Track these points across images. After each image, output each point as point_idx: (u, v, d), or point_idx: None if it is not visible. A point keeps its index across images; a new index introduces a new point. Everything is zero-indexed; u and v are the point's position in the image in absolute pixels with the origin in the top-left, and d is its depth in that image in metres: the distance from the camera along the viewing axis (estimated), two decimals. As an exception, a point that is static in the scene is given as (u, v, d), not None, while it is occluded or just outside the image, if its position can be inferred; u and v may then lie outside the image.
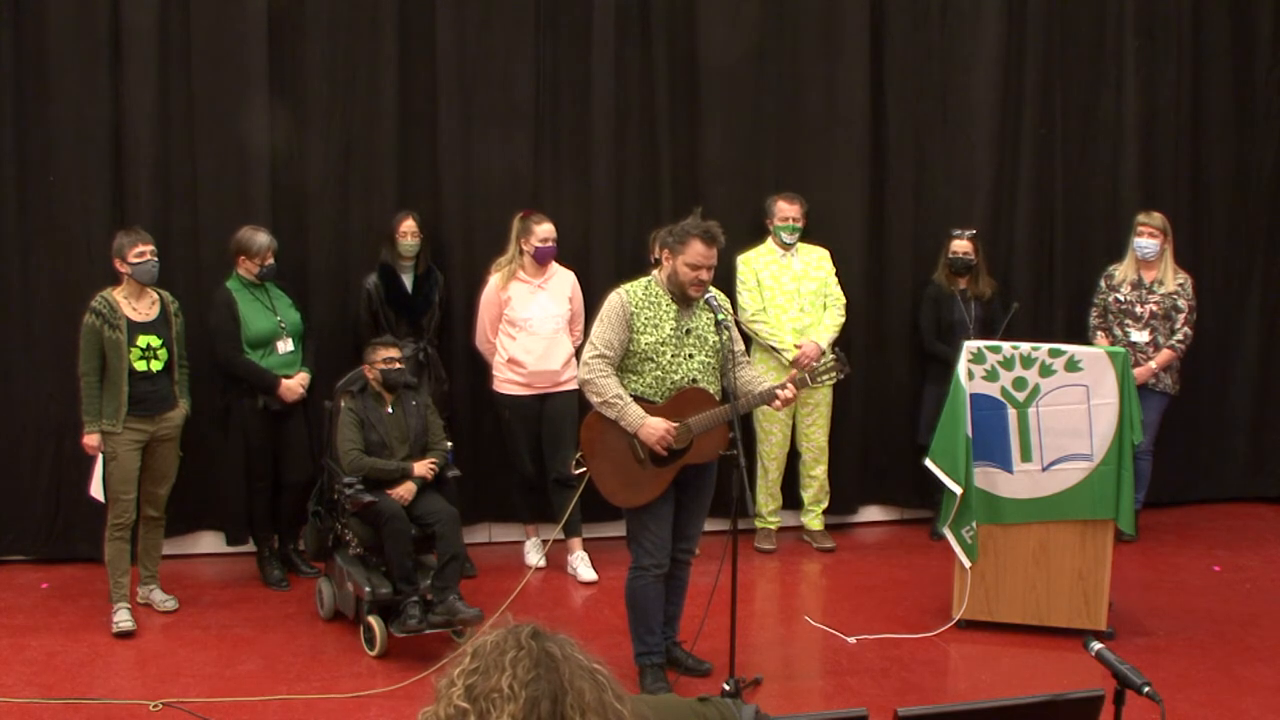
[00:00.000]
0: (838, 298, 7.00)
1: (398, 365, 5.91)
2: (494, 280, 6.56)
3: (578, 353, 6.32)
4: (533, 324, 6.49)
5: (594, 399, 5.03)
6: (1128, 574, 6.48)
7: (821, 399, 7.03)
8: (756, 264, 6.93)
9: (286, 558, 6.56)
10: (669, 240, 5.06)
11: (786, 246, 6.93)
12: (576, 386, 6.43)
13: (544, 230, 6.48)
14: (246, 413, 6.27)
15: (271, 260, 6.24)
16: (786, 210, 6.91)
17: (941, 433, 5.77)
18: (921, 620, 5.95)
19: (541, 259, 6.50)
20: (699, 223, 5.01)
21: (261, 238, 6.23)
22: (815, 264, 6.98)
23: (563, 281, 6.63)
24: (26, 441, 6.58)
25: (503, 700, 2.05)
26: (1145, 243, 7.03)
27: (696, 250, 4.95)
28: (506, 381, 6.56)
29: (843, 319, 6.98)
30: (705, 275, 4.98)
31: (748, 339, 6.71)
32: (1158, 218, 7.06)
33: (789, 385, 5.08)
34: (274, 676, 5.34)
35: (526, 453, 6.63)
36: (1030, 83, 7.50)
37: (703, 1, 7.08)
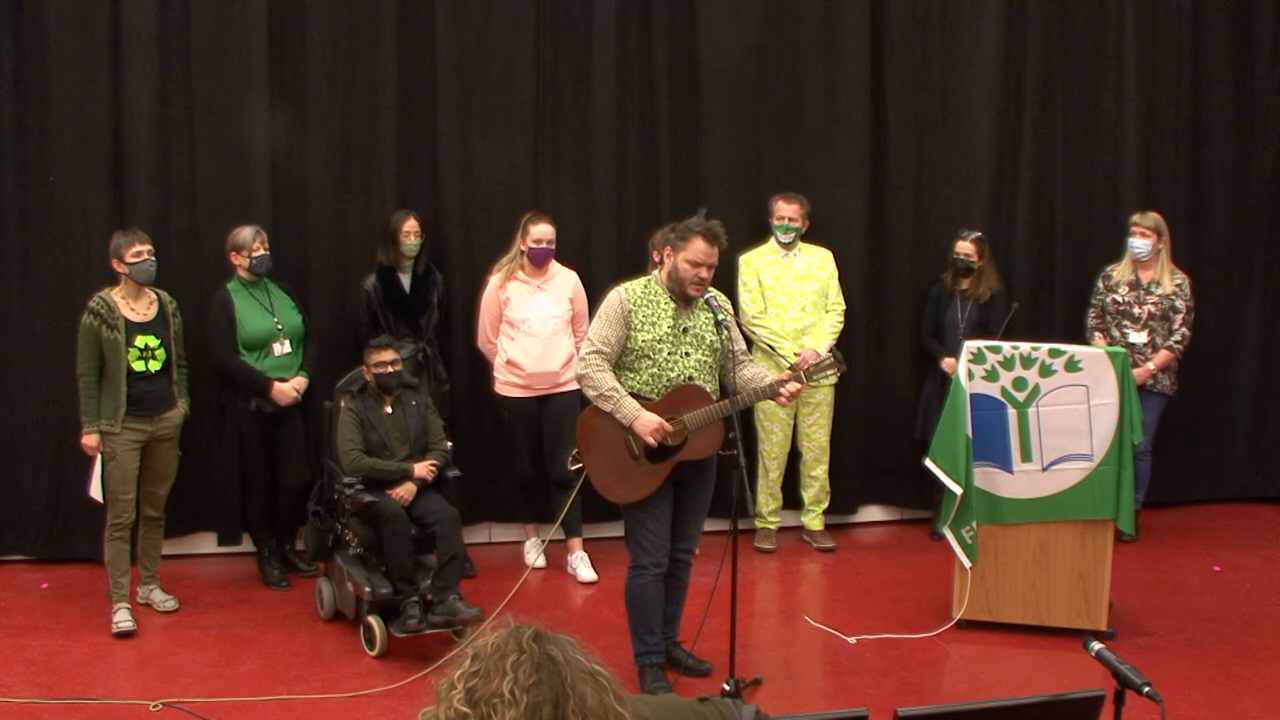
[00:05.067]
0: (838, 302, 7.00)
1: (391, 369, 5.90)
2: (494, 280, 6.56)
3: (580, 353, 6.33)
4: (530, 325, 6.48)
5: (590, 393, 5.05)
6: (1128, 574, 6.48)
7: (823, 399, 7.03)
8: (758, 264, 6.93)
9: (285, 558, 6.56)
10: (671, 237, 5.08)
11: (785, 246, 6.93)
12: (577, 387, 6.46)
13: (539, 231, 6.46)
14: (241, 415, 6.27)
15: (261, 251, 6.22)
16: (784, 210, 6.91)
17: (941, 433, 5.78)
18: (921, 620, 5.95)
19: (535, 259, 6.49)
20: (702, 221, 5.02)
21: (246, 231, 6.23)
22: (818, 265, 6.98)
23: (564, 282, 6.62)
24: (26, 441, 6.58)
25: (504, 705, 2.04)
26: (1138, 243, 7.03)
27: (698, 247, 4.96)
28: (506, 384, 6.56)
29: (841, 324, 6.98)
30: (705, 274, 4.99)
31: (748, 340, 6.70)
32: (1151, 218, 7.06)
33: (790, 382, 5.07)
34: (274, 676, 5.34)
35: (526, 454, 6.62)
36: (1030, 83, 7.50)
37: (703, 1, 7.08)
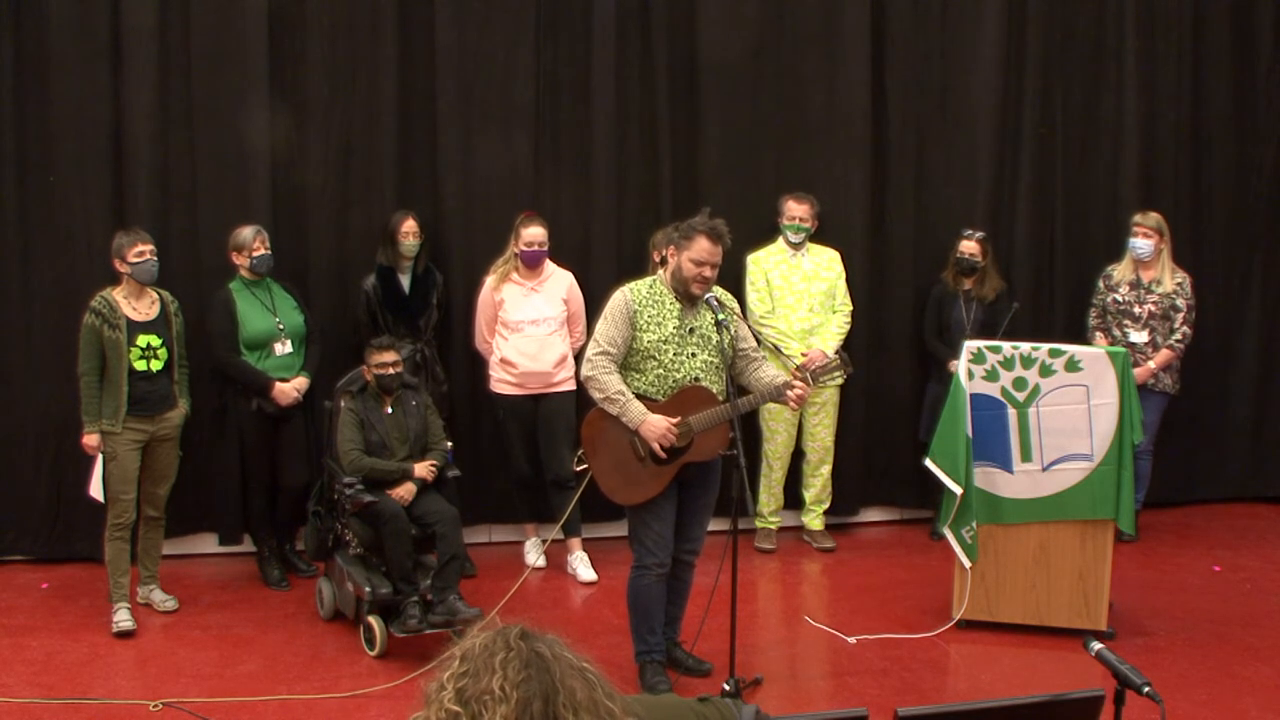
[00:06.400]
0: (845, 303, 7.01)
1: (393, 370, 5.90)
2: (489, 281, 6.56)
3: (578, 355, 6.32)
4: (525, 326, 6.48)
5: (596, 395, 5.04)
6: (1128, 574, 6.48)
7: (828, 399, 7.03)
8: (766, 264, 6.93)
9: (285, 558, 6.56)
10: (675, 236, 5.08)
11: (795, 246, 6.93)
12: (572, 387, 6.48)
13: (530, 234, 6.46)
14: (242, 415, 6.27)
15: (262, 250, 6.22)
16: (794, 210, 6.92)
17: (941, 433, 5.77)
18: (921, 620, 5.95)
19: (528, 262, 6.49)
20: (706, 220, 5.01)
21: (247, 230, 6.24)
22: (826, 265, 6.98)
23: (559, 283, 6.62)
24: (26, 441, 6.58)
25: (494, 702, 2.05)
26: (1139, 243, 7.03)
27: (702, 247, 4.95)
28: (500, 381, 6.56)
29: (848, 325, 6.99)
30: (709, 273, 4.98)
31: (756, 338, 6.70)
32: (1153, 218, 7.06)
33: (797, 384, 5.06)
34: (274, 676, 5.34)
35: (521, 453, 6.62)
36: (1030, 83, 7.49)
37: (703, 1, 7.08)
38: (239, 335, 6.19)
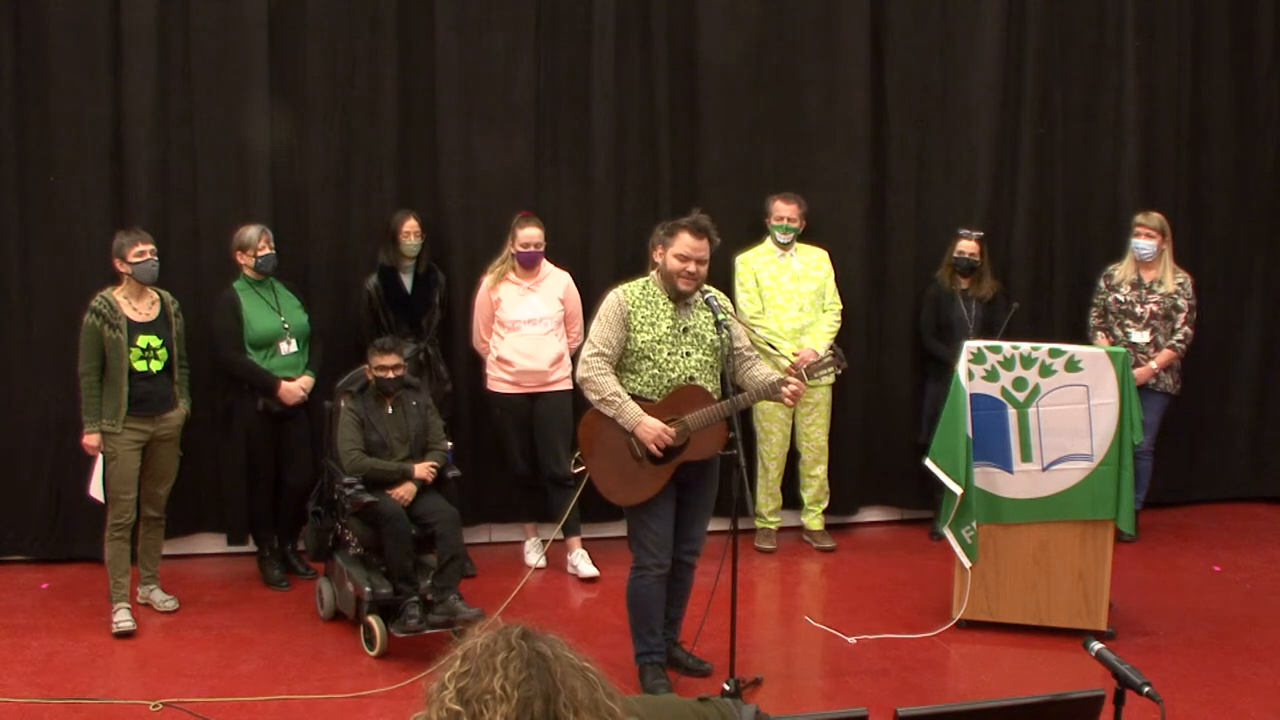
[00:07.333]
0: (834, 302, 7.01)
1: (393, 374, 5.89)
2: (486, 281, 6.57)
3: (574, 354, 6.32)
4: (521, 325, 6.49)
5: (592, 397, 5.04)
6: (1128, 574, 6.47)
7: (821, 399, 7.03)
8: (755, 264, 6.93)
9: (284, 558, 6.56)
10: (661, 234, 5.09)
11: (783, 246, 6.94)
12: (568, 386, 6.48)
13: (526, 234, 6.46)
14: (248, 414, 6.27)
15: (267, 250, 6.22)
16: (783, 210, 6.92)
17: (942, 433, 5.77)
18: (921, 620, 5.95)
19: (524, 262, 6.49)
20: (691, 216, 5.03)
21: (252, 230, 6.24)
22: (814, 264, 6.99)
23: (555, 283, 6.62)
24: (26, 441, 6.58)
25: (495, 701, 2.06)
26: (1142, 244, 7.03)
27: (684, 241, 4.96)
28: (497, 380, 6.58)
29: (839, 324, 6.99)
30: (693, 268, 4.98)
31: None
32: (1155, 218, 7.07)
33: (792, 380, 5.06)
34: (274, 676, 5.34)
35: (518, 451, 6.63)
36: (1030, 83, 7.50)
37: (703, 2, 7.08)
38: (245, 335, 6.19)
